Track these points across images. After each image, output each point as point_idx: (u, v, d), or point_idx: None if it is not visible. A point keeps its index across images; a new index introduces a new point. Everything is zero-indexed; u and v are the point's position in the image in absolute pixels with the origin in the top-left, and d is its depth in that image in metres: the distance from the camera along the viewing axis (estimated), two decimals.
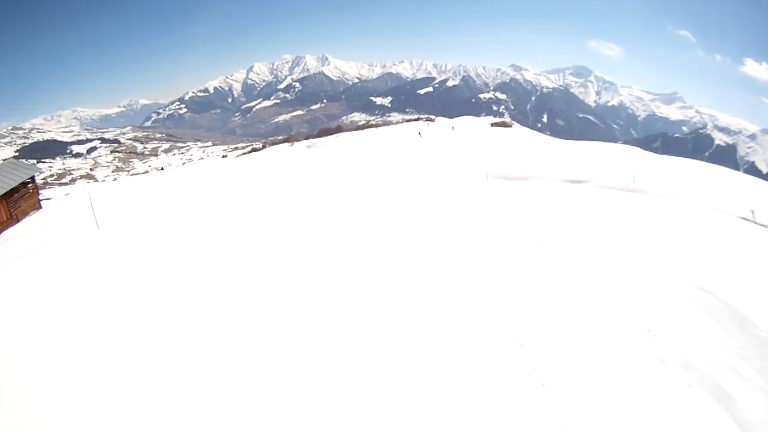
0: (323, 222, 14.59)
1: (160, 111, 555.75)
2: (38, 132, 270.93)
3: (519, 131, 58.76)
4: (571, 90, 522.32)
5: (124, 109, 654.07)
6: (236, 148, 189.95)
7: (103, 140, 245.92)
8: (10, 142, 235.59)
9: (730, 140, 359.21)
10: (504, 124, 65.28)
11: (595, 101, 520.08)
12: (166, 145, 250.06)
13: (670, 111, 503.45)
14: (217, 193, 25.86)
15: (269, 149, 66.04)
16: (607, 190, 15.91)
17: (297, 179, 27.34)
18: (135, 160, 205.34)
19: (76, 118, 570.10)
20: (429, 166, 27.10)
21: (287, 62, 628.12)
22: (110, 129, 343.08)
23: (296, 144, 61.70)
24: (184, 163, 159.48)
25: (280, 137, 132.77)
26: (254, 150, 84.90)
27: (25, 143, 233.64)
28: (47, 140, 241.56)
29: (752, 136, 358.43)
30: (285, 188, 24.29)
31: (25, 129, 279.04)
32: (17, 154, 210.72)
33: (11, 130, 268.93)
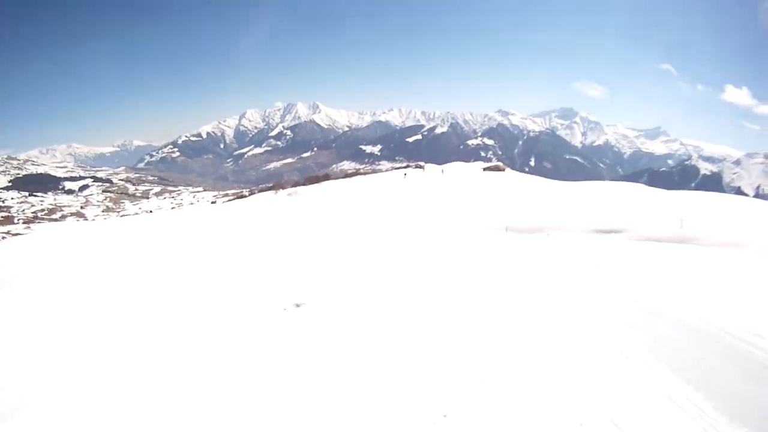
0: (271, 284, 11.45)
1: (154, 153, 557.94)
2: (32, 164, 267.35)
3: (514, 175, 56.22)
4: (558, 132, 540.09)
5: (118, 149, 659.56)
6: (226, 195, 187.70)
7: (96, 179, 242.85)
8: (4, 172, 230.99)
9: (715, 168, 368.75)
10: (497, 168, 63.33)
11: (581, 142, 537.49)
12: (157, 189, 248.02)
13: (655, 146, 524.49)
14: (178, 239, 22.87)
15: (254, 197, 63.70)
16: (649, 242, 12.81)
17: (264, 229, 23.91)
18: (126, 201, 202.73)
19: (70, 154, 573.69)
20: (422, 217, 23.61)
21: (279, 110, 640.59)
22: (103, 168, 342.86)
23: (280, 192, 59.33)
24: (173, 207, 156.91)
25: (270, 184, 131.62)
26: (241, 197, 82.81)
27: (18, 174, 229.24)
28: (41, 173, 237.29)
29: (737, 162, 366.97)
30: (246, 240, 21.30)
31: (20, 160, 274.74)
32: (10, 184, 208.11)
33: (6, 159, 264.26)
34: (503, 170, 61.58)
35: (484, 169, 62.61)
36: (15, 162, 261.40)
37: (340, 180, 66.64)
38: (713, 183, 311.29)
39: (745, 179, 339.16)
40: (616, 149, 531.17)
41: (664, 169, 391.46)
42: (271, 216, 32.42)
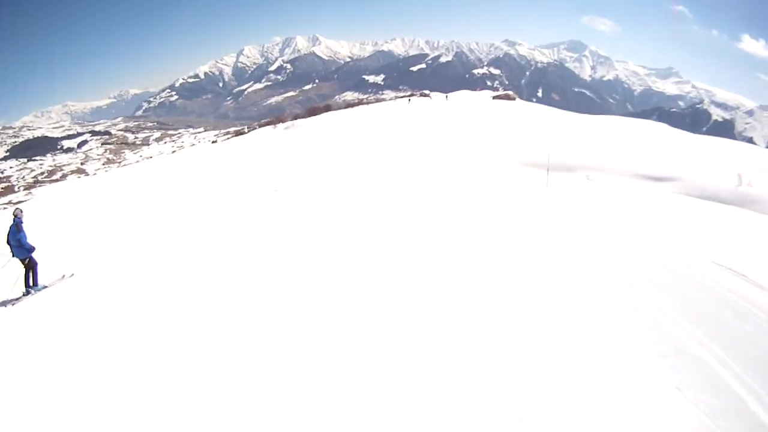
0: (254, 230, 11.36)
1: (151, 99, 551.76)
2: (28, 130, 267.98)
3: (527, 105, 53.00)
4: (566, 65, 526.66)
5: (114, 99, 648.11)
6: (228, 133, 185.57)
7: (94, 133, 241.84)
8: (1, 142, 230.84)
9: (727, 116, 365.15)
10: (507, 97, 60.63)
11: (590, 76, 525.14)
12: (157, 134, 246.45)
13: (666, 86, 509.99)
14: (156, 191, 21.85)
15: (252, 133, 61.61)
16: (700, 199, 10.31)
17: (257, 168, 22.75)
18: (126, 151, 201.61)
19: (66, 112, 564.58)
20: (432, 151, 21.23)
21: (277, 44, 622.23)
22: (101, 121, 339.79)
23: (279, 126, 57.05)
24: (174, 151, 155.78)
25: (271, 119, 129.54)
26: (240, 134, 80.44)
27: (15, 142, 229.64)
28: (37, 137, 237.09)
29: (750, 112, 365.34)
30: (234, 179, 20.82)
31: (15, 128, 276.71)
32: (8, 153, 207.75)
33: (1, 130, 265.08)
34: (514, 99, 58.98)
35: (494, 98, 59.97)
36: (11, 131, 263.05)
37: (341, 111, 64.14)
38: (725, 130, 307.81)
39: (757, 130, 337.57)
40: (626, 85, 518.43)
41: (674, 110, 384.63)
42: (265, 152, 30.92)
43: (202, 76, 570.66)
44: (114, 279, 9.78)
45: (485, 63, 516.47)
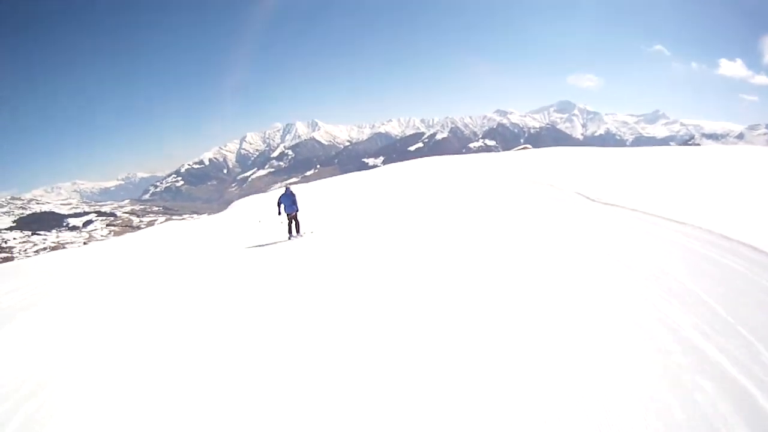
0: None
1: (158, 183, 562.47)
2: (37, 203, 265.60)
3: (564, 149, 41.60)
4: (558, 126, 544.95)
5: (122, 182, 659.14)
6: None
7: (100, 213, 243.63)
8: (8, 212, 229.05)
9: (719, 145, 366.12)
10: (525, 149, 62.76)
11: (582, 134, 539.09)
12: (162, 219, 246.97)
13: (656, 129, 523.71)
14: None
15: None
16: None
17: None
18: (130, 234, 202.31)
19: (76, 190, 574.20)
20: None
21: (278, 130, 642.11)
22: (108, 202, 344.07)
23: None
24: None
25: None
26: None
27: (23, 213, 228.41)
28: (45, 212, 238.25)
29: (740, 136, 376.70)
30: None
31: (24, 199, 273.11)
32: (14, 224, 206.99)
33: (9, 199, 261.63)
34: (529, 148, 60.16)
35: (517, 150, 60.90)
36: (19, 202, 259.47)
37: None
38: None
39: None
40: (618, 137, 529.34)
41: None
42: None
43: (207, 163, 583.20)
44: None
45: (480, 135, 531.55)
